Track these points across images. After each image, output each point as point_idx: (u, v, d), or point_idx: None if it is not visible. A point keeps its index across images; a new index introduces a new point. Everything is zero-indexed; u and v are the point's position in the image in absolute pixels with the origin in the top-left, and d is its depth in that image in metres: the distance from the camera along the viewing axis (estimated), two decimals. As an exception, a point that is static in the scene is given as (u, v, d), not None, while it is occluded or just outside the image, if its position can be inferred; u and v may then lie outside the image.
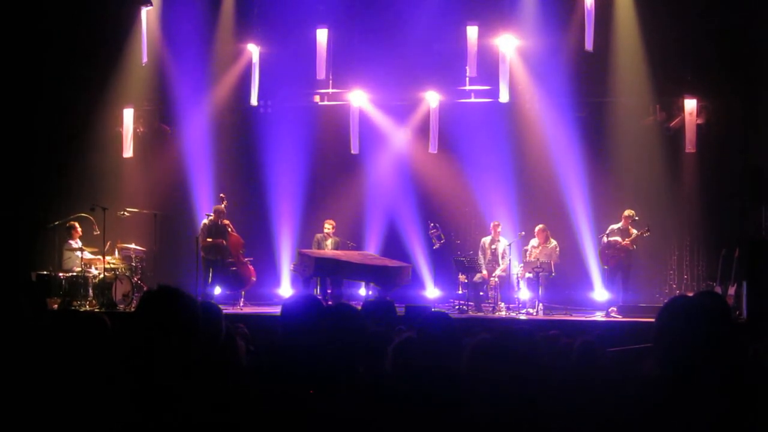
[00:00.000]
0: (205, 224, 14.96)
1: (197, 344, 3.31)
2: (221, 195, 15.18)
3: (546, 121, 16.43)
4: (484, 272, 15.14)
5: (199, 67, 16.92)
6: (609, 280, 14.78)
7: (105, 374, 3.30)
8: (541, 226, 15.18)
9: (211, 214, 15.01)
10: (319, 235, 15.99)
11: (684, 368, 3.13)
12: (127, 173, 17.00)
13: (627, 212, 14.65)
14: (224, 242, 14.80)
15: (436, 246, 15.38)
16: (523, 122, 16.64)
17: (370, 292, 15.29)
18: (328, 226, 15.98)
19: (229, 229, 14.95)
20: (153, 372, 3.17)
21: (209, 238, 14.80)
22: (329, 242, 15.85)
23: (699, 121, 15.67)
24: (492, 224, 15.72)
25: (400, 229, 17.26)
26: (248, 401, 3.41)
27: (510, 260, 15.10)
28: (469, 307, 14.77)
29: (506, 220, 16.37)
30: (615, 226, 14.61)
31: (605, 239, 14.57)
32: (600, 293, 15.36)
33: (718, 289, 13.55)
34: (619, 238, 14.46)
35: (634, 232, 14.54)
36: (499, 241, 15.36)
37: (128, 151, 16.89)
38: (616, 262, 14.57)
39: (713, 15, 15.09)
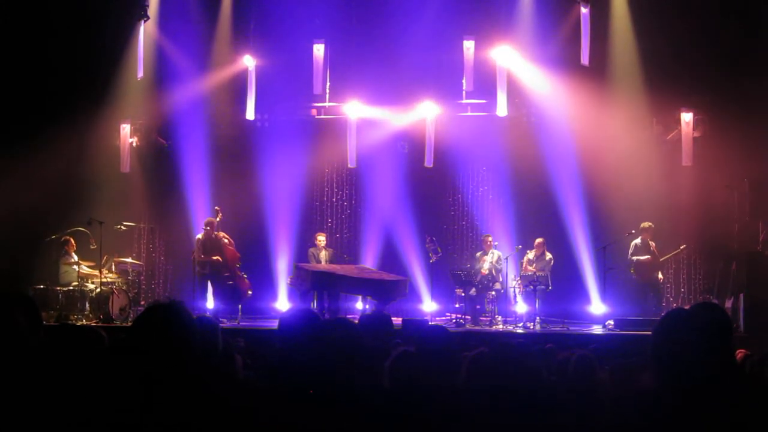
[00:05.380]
0: (199, 239, 14.89)
1: (194, 359, 3.30)
2: (216, 208, 15.16)
3: (542, 134, 16.45)
4: (479, 286, 15.11)
5: (196, 80, 16.94)
6: (640, 291, 14.84)
7: (101, 388, 3.29)
8: (540, 239, 15.20)
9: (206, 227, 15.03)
10: (312, 249, 15.99)
11: (681, 381, 3.13)
12: (124, 187, 16.95)
13: (644, 225, 14.80)
14: (219, 258, 14.73)
15: (433, 259, 15.36)
16: (519, 135, 16.64)
17: (367, 306, 15.28)
18: (321, 239, 16.00)
19: (226, 241, 14.91)
20: (149, 387, 3.16)
21: (203, 253, 14.76)
22: (323, 254, 15.84)
23: (696, 134, 15.70)
24: (482, 237, 15.77)
25: (396, 242, 17.26)
26: (245, 415, 3.40)
27: (506, 274, 15.09)
28: (466, 321, 14.76)
29: (503, 233, 16.39)
30: (637, 242, 14.73)
31: (633, 259, 14.79)
32: (597, 306, 15.38)
33: (715, 302, 13.56)
34: (645, 256, 14.67)
35: (653, 243, 14.68)
36: (492, 254, 15.30)
37: (125, 166, 16.87)
38: (648, 275, 14.69)
39: (710, 28, 15.13)
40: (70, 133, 16.09)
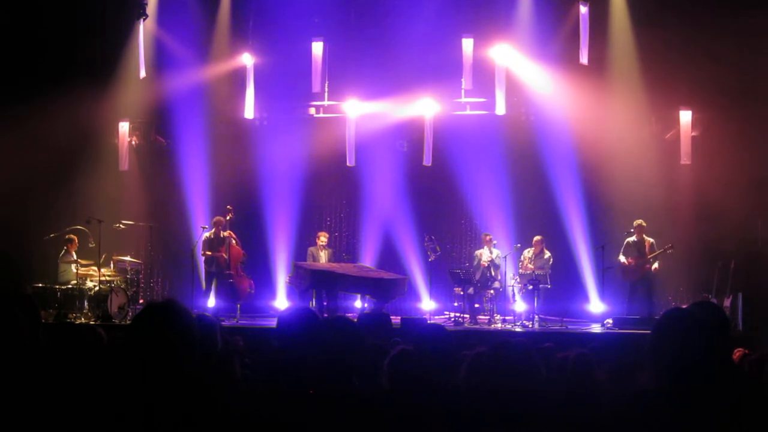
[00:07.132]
0: (207, 237, 14.87)
1: (192, 357, 3.30)
2: (228, 207, 15.10)
3: (541, 132, 16.46)
4: (478, 285, 15.11)
5: (195, 79, 16.91)
6: (630, 293, 14.73)
7: (100, 387, 3.29)
8: (538, 237, 15.19)
9: (207, 226, 15.01)
10: (312, 248, 15.99)
11: (679, 380, 3.13)
12: (123, 186, 16.95)
13: (637, 222, 14.66)
14: (224, 255, 14.75)
15: (432, 258, 15.36)
16: (518, 134, 16.66)
17: (366, 305, 15.27)
18: (323, 238, 16.00)
19: (233, 242, 14.91)
20: (148, 385, 3.16)
21: (209, 250, 14.76)
22: (323, 254, 15.84)
23: (695, 133, 15.73)
24: (482, 236, 15.77)
25: (395, 241, 17.27)
26: (243, 415, 3.40)
27: (505, 272, 15.08)
28: (465, 320, 14.74)
29: (501, 232, 16.39)
30: (630, 240, 14.63)
31: (622, 258, 14.59)
32: (595, 305, 15.38)
33: (713, 301, 13.55)
34: (631, 256, 14.49)
35: (650, 240, 14.56)
36: (491, 252, 15.29)
37: (124, 164, 16.86)
38: (638, 276, 14.57)
39: (709, 27, 15.12)
40: (68, 133, 16.07)
